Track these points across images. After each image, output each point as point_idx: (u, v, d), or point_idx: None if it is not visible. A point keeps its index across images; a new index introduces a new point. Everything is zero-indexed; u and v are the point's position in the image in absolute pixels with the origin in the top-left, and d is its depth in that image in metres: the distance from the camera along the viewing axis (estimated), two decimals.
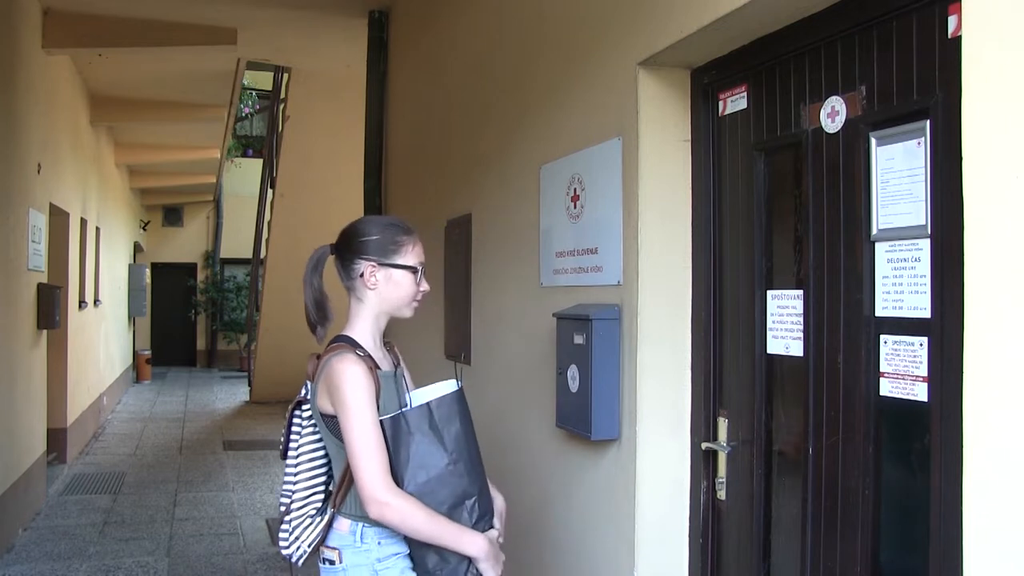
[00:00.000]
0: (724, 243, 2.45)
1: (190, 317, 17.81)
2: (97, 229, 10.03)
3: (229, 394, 13.44)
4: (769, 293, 2.24)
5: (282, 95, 10.08)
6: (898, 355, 1.82)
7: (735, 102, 2.38)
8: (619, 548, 2.61)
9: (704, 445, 2.47)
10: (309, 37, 7.13)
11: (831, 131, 2.01)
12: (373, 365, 2.01)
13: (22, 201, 5.88)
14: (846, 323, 1.96)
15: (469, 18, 4.17)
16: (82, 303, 8.75)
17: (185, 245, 17.84)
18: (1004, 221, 1.35)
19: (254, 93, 14.54)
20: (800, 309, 2.11)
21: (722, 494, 2.43)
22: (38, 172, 6.36)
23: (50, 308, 6.50)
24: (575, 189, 2.91)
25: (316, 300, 2.13)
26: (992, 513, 1.36)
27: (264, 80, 12.84)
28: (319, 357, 2.10)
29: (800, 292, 2.12)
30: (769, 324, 2.23)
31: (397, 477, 1.94)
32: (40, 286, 6.46)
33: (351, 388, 1.93)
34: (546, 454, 3.14)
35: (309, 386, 2.09)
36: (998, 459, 1.35)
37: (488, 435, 3.79)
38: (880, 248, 1.87)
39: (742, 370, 2.35)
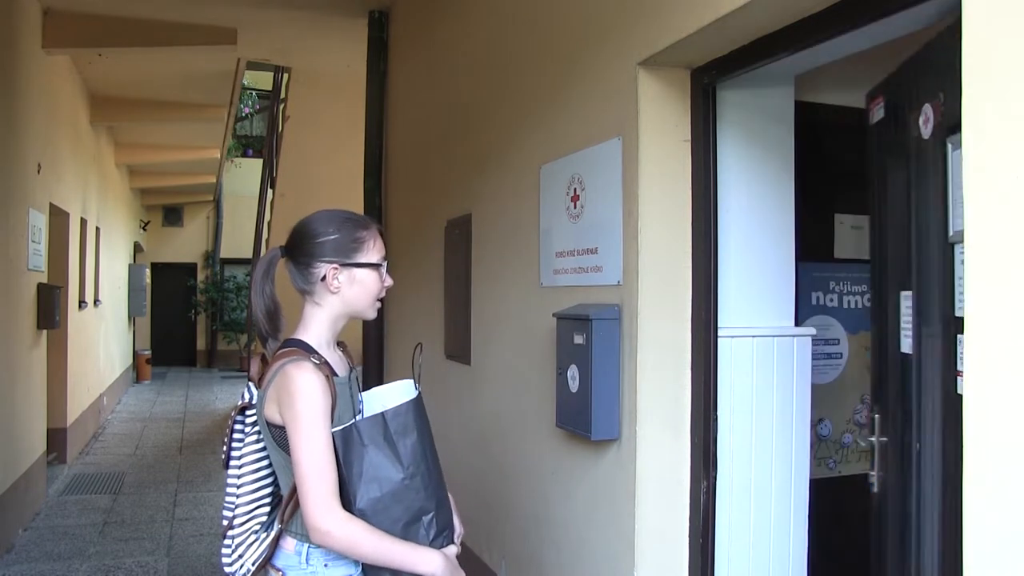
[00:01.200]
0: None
1: (190, 317, 17.81)
2: (97, 229, 10.03)
3: (229, 394, 13.43)
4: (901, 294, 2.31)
5: (282, 95, 10.08)
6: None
7: (878, 112, 2.47)
8: (619, 548, 2.61)
9: (870, 439, 2.53)
10: (309, 37, 7.13)
11: (925, 136, 2.10)
12: (330, 373, 1.86)
13: (22, 201, 5.88)
14: (938, 323, 2.06)
15: (469, 18, 4.17)
16: (82, 303, 8.75)
17: (185, 245, 17.82)
18: (1004, 221, 1.35)
19: (254, 93, 14.55)
20: (911, 308, 2.22)
21: (875, 487, 2.49)
22: (38, 172, 6.36)
23: (50, 308, 6.50)
24: (575, 189, 2.91)
25: (268, 310, 1.94)
26: (990, 512, 1.36)
27: (264, 80, 12.84)
28: (264, 359, 1.94)
29: (910, 293, 2.23)
30: (901, 324, 2.32)
31: (349, 492, 1.79)
32: (40, 286, 6.46)
33: (305, 401, 1.76)
34: (546, 454, 3.14)
35: (253, 389, 1.92)
36: (998, 459, 1.35)
37: (488, 435, 3.79)
38: (956, 250, 1.94)
39: (891, 367, 2.42)
